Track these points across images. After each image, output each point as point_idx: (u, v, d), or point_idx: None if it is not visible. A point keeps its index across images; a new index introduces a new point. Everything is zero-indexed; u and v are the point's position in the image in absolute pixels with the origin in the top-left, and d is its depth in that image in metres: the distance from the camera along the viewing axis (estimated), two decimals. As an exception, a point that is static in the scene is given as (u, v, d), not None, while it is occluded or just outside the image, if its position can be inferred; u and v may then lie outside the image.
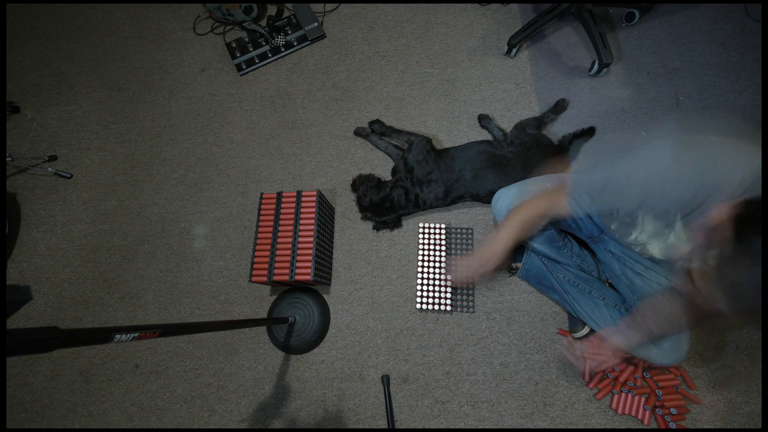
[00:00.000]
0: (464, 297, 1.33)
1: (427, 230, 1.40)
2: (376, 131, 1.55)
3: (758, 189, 0.60)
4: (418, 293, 1.33)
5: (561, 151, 1.38)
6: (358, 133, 1.58)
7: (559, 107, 1.49)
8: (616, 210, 0.86)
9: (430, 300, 1.32)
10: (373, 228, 1.45)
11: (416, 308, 1.34)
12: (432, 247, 1.38)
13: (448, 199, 1.38)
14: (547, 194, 0.95)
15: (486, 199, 1.38)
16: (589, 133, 1.43)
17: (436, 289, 1.33)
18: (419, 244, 1.40)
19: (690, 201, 0.67)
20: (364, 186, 1.41)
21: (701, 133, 0.68)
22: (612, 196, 0.79)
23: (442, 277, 1.35)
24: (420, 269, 1.37)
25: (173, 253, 1.54)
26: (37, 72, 1.92)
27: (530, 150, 1.33)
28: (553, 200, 0.92)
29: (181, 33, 1.91)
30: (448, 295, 1.32)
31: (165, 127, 1.74)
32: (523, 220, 0.95)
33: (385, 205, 1.38)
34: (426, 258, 1.37)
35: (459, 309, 1.32)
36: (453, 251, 1.40)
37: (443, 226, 1.39)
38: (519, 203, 0.97)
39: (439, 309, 1.32)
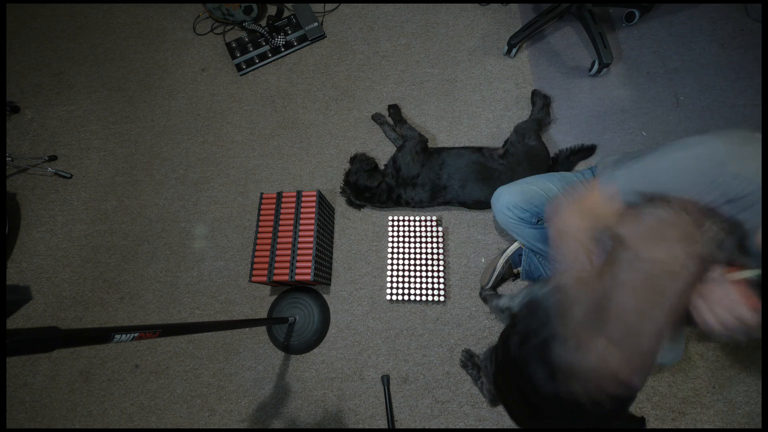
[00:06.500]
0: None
1: (397, 222, 1.41)
2: (393, 116, 1.55)
3: None
4: (388, 284, 1.33)
5: (555, 165, 1.38)
6: (375, 118, 1.59)
7: (543, 103, 1.46)
8: None
9: (401, 290, 1.32)
10: (346, 202, 1.48)
11: (386, 299, 1.33)
12: (402, 239, 1.39)
13: (434, 203, 1.40)
14: (583, 209, 0.77)
15: (472, 206, 1.39)
16: (588, 151, 1.42)
17: (407, 280, 1.34)
18: (389, 236, 1.39)
19: (743, 201, 0.58)
20: (358, 165, 1.42)
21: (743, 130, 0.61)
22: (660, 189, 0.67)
23: (414, 269, 1.35)
24: (390, 260, 1.37)
25: (173, 253, 1.54)
26: (37, 72, 1.92)
27: (520, 164, 1.31)
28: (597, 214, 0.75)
29: (181, 33, 1.91)
30: (424, 286, 1.31)
31: (165, 127, 1.74)
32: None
33: (365, 194, 1.41)
34: (396, 250, 1.38)
35: (433, 298, 1.32)
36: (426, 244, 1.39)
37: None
38: (560, 225, 0.81)
39: (416, 299, 1.31)
